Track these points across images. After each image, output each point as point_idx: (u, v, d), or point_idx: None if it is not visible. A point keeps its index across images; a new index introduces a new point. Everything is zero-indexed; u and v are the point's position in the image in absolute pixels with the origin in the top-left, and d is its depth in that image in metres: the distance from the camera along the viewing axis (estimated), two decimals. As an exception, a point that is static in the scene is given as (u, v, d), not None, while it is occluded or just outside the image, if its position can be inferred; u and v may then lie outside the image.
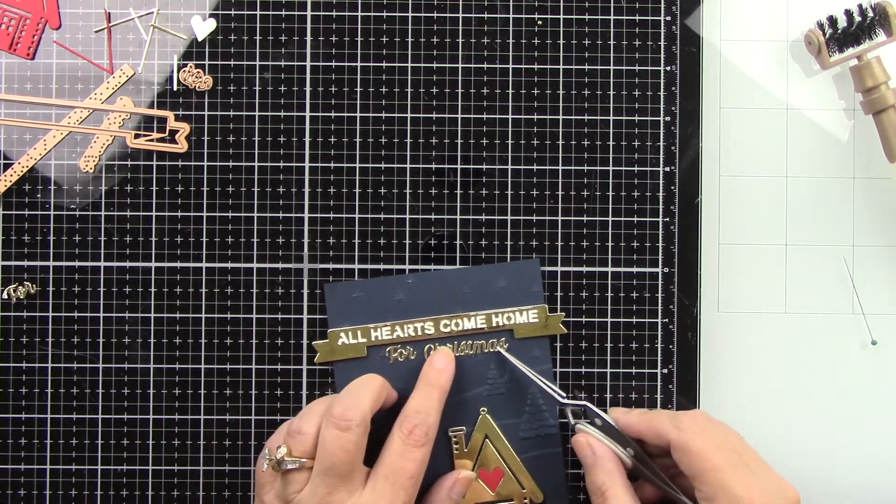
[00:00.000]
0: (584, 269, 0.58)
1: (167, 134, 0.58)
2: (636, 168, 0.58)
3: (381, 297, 0.57)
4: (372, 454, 0.52)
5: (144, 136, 0.58)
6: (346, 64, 0.58)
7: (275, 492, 0.51)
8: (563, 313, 0.58)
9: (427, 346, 0.57)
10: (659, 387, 0.58)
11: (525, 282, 0.58)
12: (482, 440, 0.57)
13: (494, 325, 0.57)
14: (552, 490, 0.58)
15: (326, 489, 0.49)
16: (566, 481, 0.58)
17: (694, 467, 0.50)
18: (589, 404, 0.55)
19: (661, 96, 0.58)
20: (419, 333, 0.57)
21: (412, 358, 0.57)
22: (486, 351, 0.58)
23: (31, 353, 0.58)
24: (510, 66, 0.58)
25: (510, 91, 0.59)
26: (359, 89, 0.58)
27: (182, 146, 0.58)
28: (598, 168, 0.58)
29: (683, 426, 0.51)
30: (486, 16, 0.59)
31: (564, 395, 0.56)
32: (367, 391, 0.52)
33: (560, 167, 0.58)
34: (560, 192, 0.58)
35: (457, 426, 0.57)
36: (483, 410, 0.58)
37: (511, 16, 0.59)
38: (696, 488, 0.50)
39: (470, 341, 0.58)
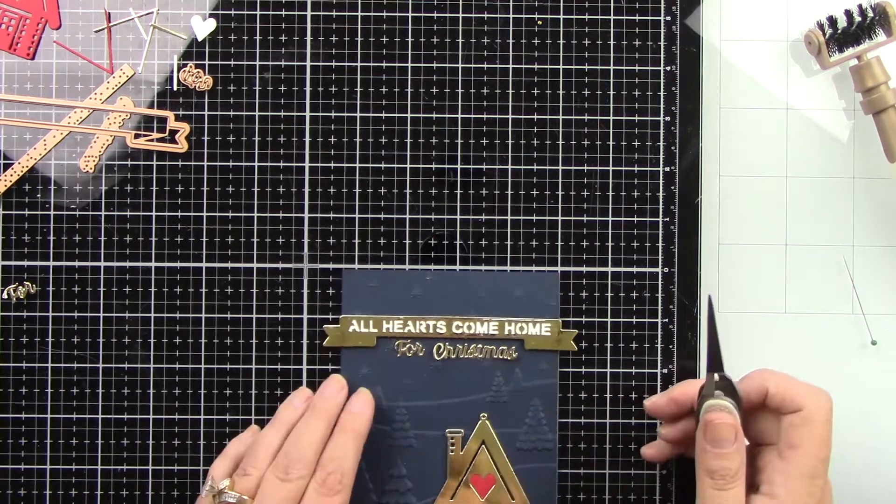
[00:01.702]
0: (584, 269, 0.58)
1: (167, 134, 0.58)
2: (636, 168, 0.58)
3: (397, 290, 0.57)
4: None
5: (144, 136, 0.58)
6: (346, 64, 0.58)
7: None
8: (577, 330, 0.58)
9: (437, 345, 0.57)
10: (659, 387, 0.58)
11: (542, 294, 0.57)
12: (478, 445, 0.57)
13: (506, 333, 0.57)
14: None
15: None
16: (556, 498, 0.58)
17: (806, 442, 0.50)
18: (735, 381, 0.52)
19: (661, 96, 0.58)
20: (431, 331, 0.57)
21: (420, 354, 0.57)
22: (494, 357, 0.57)
23: (31, 353, 0.58)
24: (510, 66, 0.58)
25: (510, 91, 0.58)
26: (359, 89, 0.58)
27: (182, 146, 0.58)
28: (598, 168, 0.58)
29: (817, 401, 0.51)
30: (486, 16, 0.59)
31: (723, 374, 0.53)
32: (314, 440, 0.53)
33: (560, 167, 0.58)
34: (560, 192, 0.58)
35: (455, 428, 0.57)
36: (483, 416, 0.58)
37: (511, 16, 0.59)
38: (784, 457, 0.50)
39: (480, 345, 0.57)
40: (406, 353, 0.57)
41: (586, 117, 0.58)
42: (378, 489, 0.57)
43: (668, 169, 0.58)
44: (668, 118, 0.58)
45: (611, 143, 0.58)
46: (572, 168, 0.58)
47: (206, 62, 0.58)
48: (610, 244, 0.58)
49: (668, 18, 0.58)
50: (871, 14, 0.57)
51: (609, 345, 0.58)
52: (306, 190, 0.58)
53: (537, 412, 0.57)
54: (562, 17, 0.58)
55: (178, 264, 0.58)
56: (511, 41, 0.59)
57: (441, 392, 0.57)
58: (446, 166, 0.58)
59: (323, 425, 0.54)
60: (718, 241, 0.60)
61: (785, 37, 0.60)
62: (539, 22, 0.59)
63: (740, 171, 0.60)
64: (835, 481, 0.60)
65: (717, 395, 0.51)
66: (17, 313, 0.58)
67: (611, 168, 0.58)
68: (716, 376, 0.51)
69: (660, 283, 0.58)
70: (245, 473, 0.52)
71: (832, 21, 0.58)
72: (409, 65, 0.58)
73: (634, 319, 0.58)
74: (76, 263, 0.58)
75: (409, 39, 0.58)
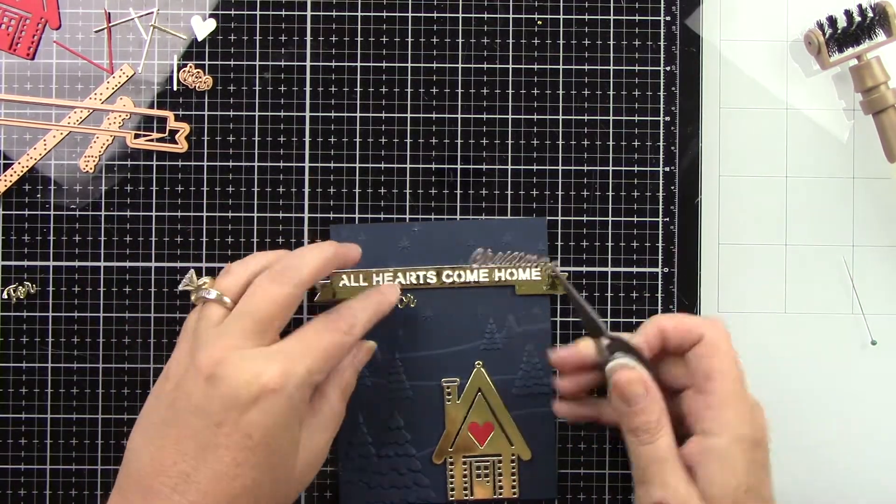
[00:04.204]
0: (584, 269, 0.58)
1: (167, 134, 0.58)
2: (636, 168, 0.58)
3: (386, 243, 0.57)
4: None
5: (144, 136, 0.58)
6: (346, 64, 0.58)
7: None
8: (567, 275, 0.58)
9: (428, 295, 0.57)
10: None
11: (531, 239, 0.58)
12: (475, 393, 0.57)
13: (496, 279, 0.57)
14: (541, 449, 0.57)
15: (237, 331, 0.47)
16: (556, 442, 0.58)
17: (717, 367, 0.49)
18: (626, 337, 0.52)
19: (661, 96, 0.58)
20: (421, 282, 0.57)
21: (412, 306, 0.57)
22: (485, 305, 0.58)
23: (31, 353, 0.58)
24: (510, 66, 0.59)
25: (510, 91, 0.59)
26: (359, 89, 0.58)
27: (182, 146, 0.58)
28: (598, 168, 0.58)
29: (715, 327, 0.51)
30: (486, 16, 0.59)
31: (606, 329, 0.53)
32: (316, 256, 0.50)
33: (560, 167, 0.58)
34: (560, 192, 0.58)
35: (450, 377, 0.57)
36: (478, 364, 0.58)
37: (511, 16, 0.59)
38: (704, 391, 0.49)
39: (471, 293, 0.58)
40: (398, 306, 0.57)
41: (586, 117, 0.58)
42: (377, 442, 0.57)
43: (668, 169, 0.58)
44: (668, 118, 0.58)
45: (611, 143, 0.58)
46: (572, 168, 0.58)
47: (206, 62, 0.58)
48: (610, 244, 0.58)
49: (668, 18, 0.58)
50: (870, 14, 0.57)
51: (609, 345, 0.58)
52: (306, 190, 0.58)
53: (532, 357, 0.57)
54: (562, 17, 0.59)
55: (178, 264, 0.58)
56: (511, 41, 0.59)
57: (435, 342, 0.57)
58: (446, 166, 0.58)
59: (333, 247, 0.51)
60: (718, 241, 0.60)
61: (785, 37, 0.60)
62: (539, 22, 0.59)
63: (740, 171, 0.60)
64: (835, 479, 0.60)
65: (616, 356, 0.51)
66: (17, 313, 0.58)
67: (611, 168, 0.58)
68: (603, 340, 0.52)
69: (660, 283, 0.58)
70: (229, 272, 0.50)
71: (832, 21, 0.58)
72: (409, 65, 0.58)
73: (634, 320, 0.58)
74: (76, 263, 0.58)
75: (409, 39, 0.58)
